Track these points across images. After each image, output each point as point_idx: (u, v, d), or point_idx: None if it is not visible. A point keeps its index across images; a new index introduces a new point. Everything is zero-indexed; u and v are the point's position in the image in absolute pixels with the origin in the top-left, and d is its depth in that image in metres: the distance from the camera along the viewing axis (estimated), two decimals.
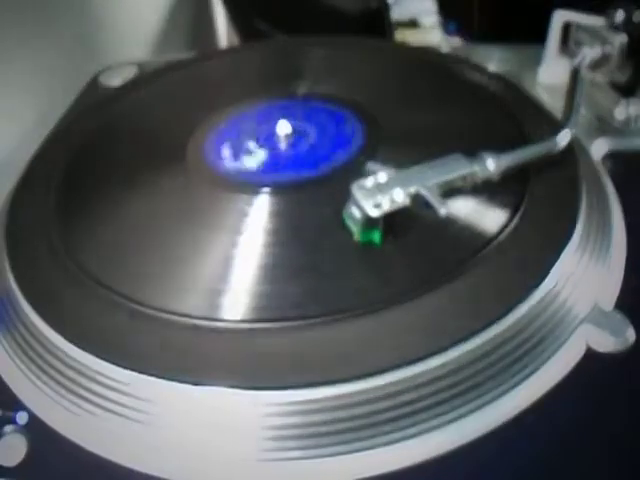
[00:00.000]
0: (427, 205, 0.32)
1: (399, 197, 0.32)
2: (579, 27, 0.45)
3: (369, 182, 0.33)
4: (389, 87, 0.46)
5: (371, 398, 0.27)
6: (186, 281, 0.32)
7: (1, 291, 0.35)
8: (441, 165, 0.34)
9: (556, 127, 0.37)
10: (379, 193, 0.32)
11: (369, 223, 0.32)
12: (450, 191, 0.34)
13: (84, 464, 0.28)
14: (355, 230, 0.33)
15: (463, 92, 0.45)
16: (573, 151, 0.38)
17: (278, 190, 0.36)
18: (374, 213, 0.31)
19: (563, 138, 0.36)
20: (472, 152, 0.35)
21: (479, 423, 0.28)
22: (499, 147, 0.35)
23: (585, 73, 0.43)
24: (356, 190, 0.32)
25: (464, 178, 0.34)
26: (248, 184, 0.37)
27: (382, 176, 0.33)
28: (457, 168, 0.34)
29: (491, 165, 0.34)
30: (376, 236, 0.32)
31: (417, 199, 0.33)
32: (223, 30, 0.97)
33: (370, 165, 0.34)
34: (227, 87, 0.49)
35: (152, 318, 0.30)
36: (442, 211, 0.31)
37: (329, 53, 0.51)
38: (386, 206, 0.32)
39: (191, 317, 0.30)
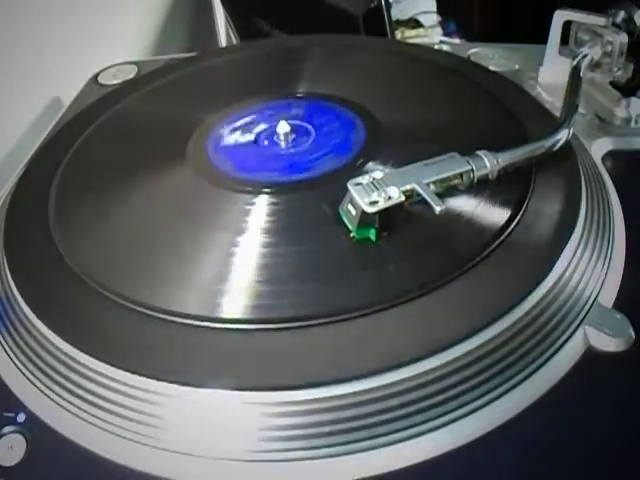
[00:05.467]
0: (423, 202, 0.32)
1: (395, 194, 0.32)
2: (580, 27, 0.45)
3: (365, 179, 0.33)
4: (389, 86, 0.46)
5: (371, 399, 0.27)
6: (185, 281, 0.32)
7: (0, 291, 0.35)
8: (437, 163, 0.34)
9: (554, 126, 0.37)
10: (375, 190, 0.32)
11: (365, 220, 0.32)
12: (450, 190, 0.34)
13: (84, 464, 0.28)
14: (351, 227, 0.33)
15: (463, 91, 0.45)
16: (573, 151, 0.38)
17: (278, 190, 0.36)
18: (370, 210, 0.31)
19: (561, 136, 0.36)
20: (471, 150, 0.35)
21: (479, 423, 0.28)
22: (498, 146, 0.35)
23: (585, 73, 0.43)
24: (352, 187, 0.33)
25: (461, 176, 0.34)
26: (248, 184, 0.37)
27: (378, 173, 0.33)
28: (453, 166, 0.34)
29: (487, 163, 0.34)
30: (372, 233, 0.32)
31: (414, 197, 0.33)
32: (223, 30, 0.97)
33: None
34: (227, 87, 0.49)
35: (152, 318, 0.30)
36: (437, 208, 0.31)
37: (329, 52, 0.51)
38: (382, 203, 0.32)
39: (191, 317, 0.30)
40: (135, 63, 0.57)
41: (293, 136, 0.40)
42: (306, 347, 0.29)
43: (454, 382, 0.28)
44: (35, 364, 0.31)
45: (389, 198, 0.32)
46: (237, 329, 0.30)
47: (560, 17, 0.46)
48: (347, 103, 0.43)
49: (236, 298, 0.31)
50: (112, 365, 0.29)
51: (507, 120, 0.41)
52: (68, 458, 0.28)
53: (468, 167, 0.34)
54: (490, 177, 0.34)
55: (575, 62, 0.43)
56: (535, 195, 0.35)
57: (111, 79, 0.55)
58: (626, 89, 0.45)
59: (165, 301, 0.31)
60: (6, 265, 0.35)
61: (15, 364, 0.32)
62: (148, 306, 0.31)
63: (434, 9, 0.89)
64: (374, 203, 0.32)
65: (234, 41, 0.90)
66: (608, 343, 0.30)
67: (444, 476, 0.27)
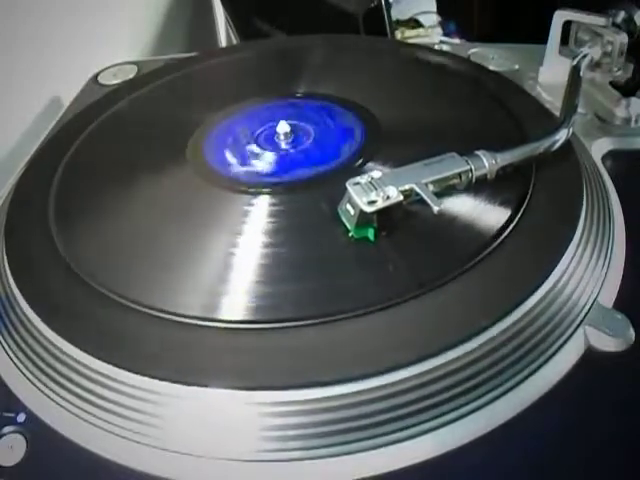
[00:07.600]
0: (422, 202, 0.32)
1: (393, 194, 0.32)
2: (580, 27, 0.45)
3: (364, 179, 0.33)
4: (388, 86, 0.46)
5: (370, 398, 0.27)
6: (185, 281, 0.32)
7: (0, 291, 0.35)
8: (436, 163, 0.34)
9: (554, 126, 0.37)
10: (373, 190, 0.32)
11: (363, 219, 0.32)
12: (449, 190, 0.34)
13: (84, 464, 0.28)
14: (350, 226, 0.33)
15: (462, 91, 0.45)
16: (573, 151, 0.38)
17: (277, 190, 0.36)
18: (368, 209, 0.32)
19: (560, 136, 0.36)
20: (470, 150, 0.35)
21: (480, 423, 0.28)
22: (497, 146, 0.35)
23: (585, 73, 0.43)
24: (351, 187, 0.33)
25: (459, 176, 0.34)
26: (248, 184, 0.37)
27: (377, 173, 0.33)
28: (452, 166, 0.34)
29: (486, 163, 0.34)
30: (370, 232, 0.32)
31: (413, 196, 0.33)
32: (223, 30, 0.97)
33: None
34: (227, 87, 0.49)
35: (152, 319, 0.30)
36: (436, 208, 0.32)
37: (329, 52, 0.51)
38: (380, 203, 0.32)
39: (192, 317, 0.30)
40: (135, 63, 0.57)
41: (293, 136, 0.40)
42: (306, 347, 0.29)
43: (454, 382, 0.28)
44: (35, 364, 0.31)
45: (387, 198, 0.32)
46: (237, 329, 0.30)
47: (560, 17, 0.46)
48: (347, 103, 0.43)
49: (236, 298, 0.31)
50: (112, 365, 0.29)
51: (507, 120, 0.41)
52: (68, 458, 0.28)
53: (467, 167, 0.34)
54: (489, 177, 0.34)
55: (575, 62, 0.43)
56: (535, 195, 0.35)
57: (111, 79, 0.55)
58: (626, 89, 0.45)
59: (166, 301, 0.31)
60: (6, 265, 0.35)
61: (15, 364, 0.32)
62: (148, 306, 0.31)
63: (434, 9, 0.89)
64: (372, 202, 0.32)
65: (234, 41, 0.90)
66: (608, 343, 0.30)
67: (444, 476, 0.27)
